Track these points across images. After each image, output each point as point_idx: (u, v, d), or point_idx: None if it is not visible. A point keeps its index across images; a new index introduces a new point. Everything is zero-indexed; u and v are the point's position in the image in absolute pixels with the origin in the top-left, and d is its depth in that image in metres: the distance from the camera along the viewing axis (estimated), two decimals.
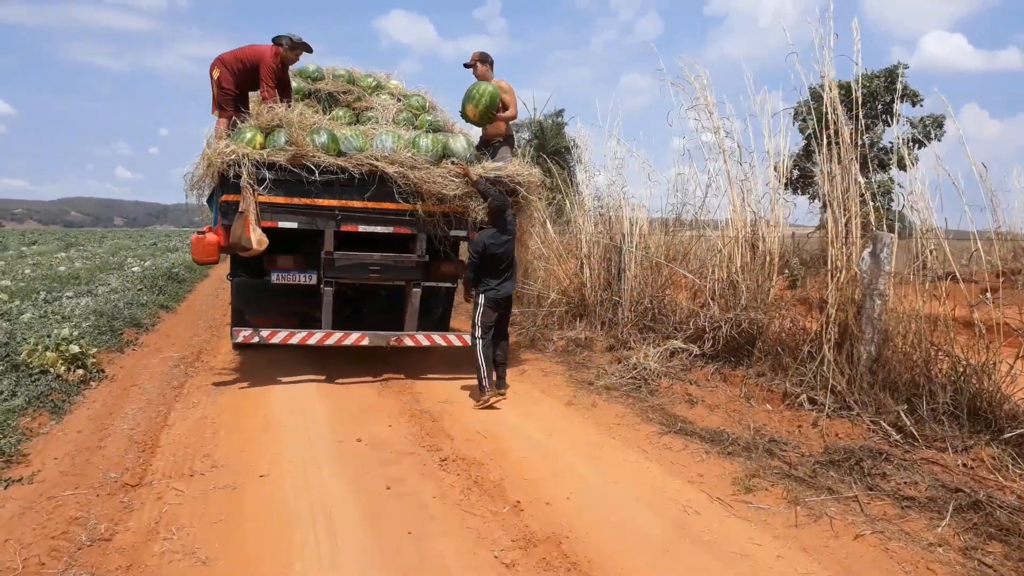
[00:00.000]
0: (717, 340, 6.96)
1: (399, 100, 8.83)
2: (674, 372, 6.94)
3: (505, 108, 7.87)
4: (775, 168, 7.15)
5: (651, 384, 6.78)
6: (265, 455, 5.01)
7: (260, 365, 8.03)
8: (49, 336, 7.40)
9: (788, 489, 4.41)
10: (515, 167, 7.53)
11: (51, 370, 6.55)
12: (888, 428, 5.03)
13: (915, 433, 4.89)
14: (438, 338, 7.49)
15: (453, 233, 7.23)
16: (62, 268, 18.23)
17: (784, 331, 6.62)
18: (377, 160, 6.84)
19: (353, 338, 7.15)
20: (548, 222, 10.53)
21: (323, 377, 7.42)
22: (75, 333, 7.80)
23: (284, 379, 7.31)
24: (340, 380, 7.33)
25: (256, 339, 7.00)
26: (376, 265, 7.18)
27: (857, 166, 6.16)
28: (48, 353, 6.71)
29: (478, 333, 6.66)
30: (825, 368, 5.76)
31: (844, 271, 5.93)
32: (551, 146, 27.18)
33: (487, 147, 8.10)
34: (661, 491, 4.50)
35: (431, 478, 4.64)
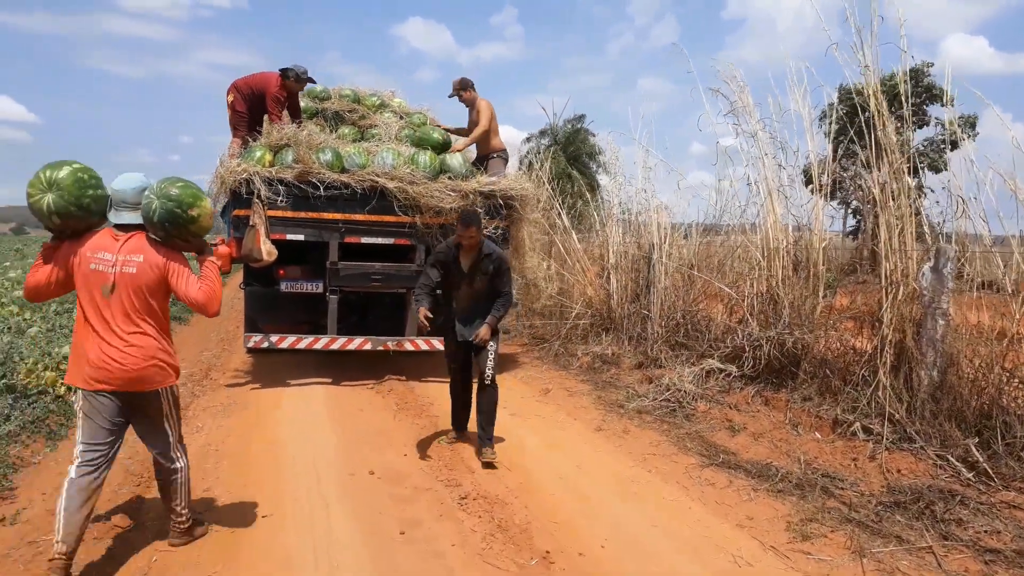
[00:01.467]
0: (757, 360, 6.47)
1: (402, 118, 9.12)
2: (711, 395, 6.45)
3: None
4: (814, 173, 6.67)
5: (687, 408, 6.30)
6: (269, 490, 4.58)
7: (269, 381, 7.73)
8: (49, 354, 7.05)
9: (851, 536, 3.93)
10: (508, 182, 7.94)
11: (51, 391, 6.18)
12: (957, 464, 4.54)
13: (989, 471, 4.39)
14: (437, 343, 7.57)
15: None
16: None
17: (832, 351, 6.13)
18: (378, 176, 7.34)
19: (356, 342, 7.64)
20: (572, 231, 10.09)
21: (333, 397, 7.04)
22: None
23: (294, 400, 6.97)
24: (354, 404, 6.93)
25: (266, 344, 7.47)
26: (378, 274, 7.60)
27: (906, 170, 5.69)
28: (47, 373, 6.36)
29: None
30: (880, 394, 5.27)
31: (901, 287, 5.42)
32: (571, 152, 26.78)
33: (481, 162, 8.53)
34: (707, 537, 4.01)
35: (450, 519, 4.19)
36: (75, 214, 3.45)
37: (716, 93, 7.30)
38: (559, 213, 10.37)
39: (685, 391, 6.48)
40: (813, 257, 6.43)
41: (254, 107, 8.03)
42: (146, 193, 3.52)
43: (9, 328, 9.08)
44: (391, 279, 7.67)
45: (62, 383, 6.30)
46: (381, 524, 4.11)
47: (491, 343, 5.36)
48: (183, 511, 3.76)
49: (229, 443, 5.54)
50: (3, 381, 6.16)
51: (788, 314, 6.40)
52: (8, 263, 25.81)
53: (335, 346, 7.61)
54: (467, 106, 8.62)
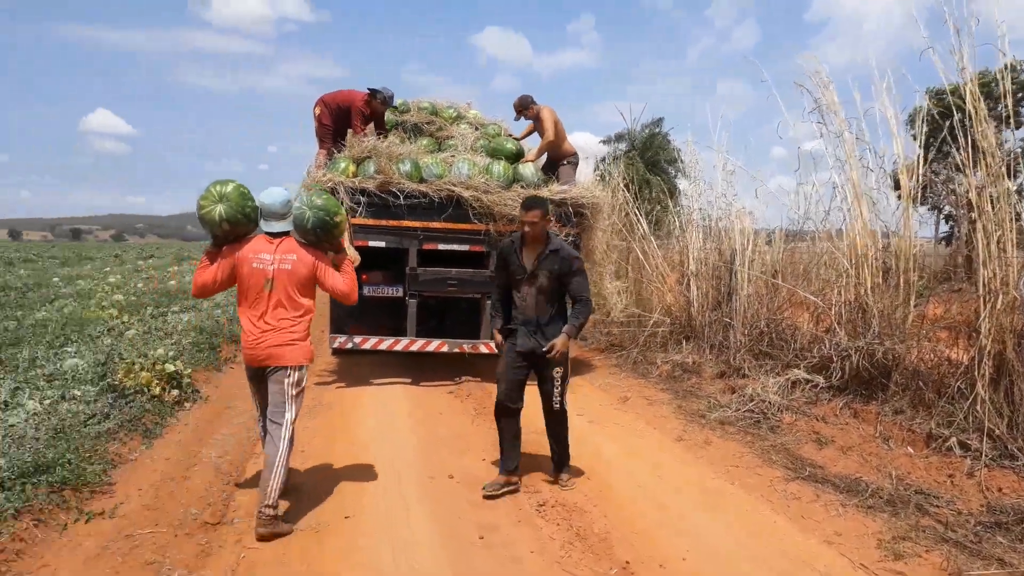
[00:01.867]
0: (845, 371, 6.24)
1: (477, 129, 9.43)
2: (797, 406, 6.26)
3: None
4: (902, 177, 6.42)
5: (771, 419, 6.13)
6: (352, 493, 4.68)
7: (352, 383, 7.95)
8: (146, 355, 7.35)
9: (947, 557, 3.75)
10: (579, 190, 8.15)
11: (147, 391, 6.43)
12: None
13: None
14: None
15: None
16: (172, 282, 18.72)
17: (925, 362, 5.88)
18: (454, 186, 7.64)
19: (434, 345, 7.99)
20: (651, 237, 9.97)
21: (413, 400, 7.13)
22: (172, 352, 7.74)
23: (376, 402, 7.10)
24: (433, 407, 7.01)
25: (350, 345, 7.92)
26: (454, 279, 7.93)
27: (1005, 172, 5.43)
28: (144, 373, 6.61)
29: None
30: (979, 408, 5.02)
31: (1000, 296, 5.17)
32: (650, 157, 26.50)
33: (553, 168, 8.73)
34: (793, 553, 3.90)
35: (528, 526, 4.19)
36: (240, 221, 4.22)
37: (800, 88, 7.09)
38: (637, 219, 10.27)
39: (769, 402, 6.31)
40: (903, 264, 6.19)
41: (339, 120, 8.46)
42: (297, 205, 4.30)
43: (110, 330, 9.52)
44: (466, 284, 7.97)
45: (157, 383, 6.57)
46: (460, 528, 4.13)
47: (559, 366, 4.75)
48: (272, 497, 4.00)
49: (314, 444, 5.67)
50: (104, 381, 6.45)
51: (878, 323, 6.17)
52: (108, 268, 27.06)
53: (414, 348, 7.94)
54: (533, 121, 8.82)
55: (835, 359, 6.34)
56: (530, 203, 4.73)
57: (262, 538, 3.91)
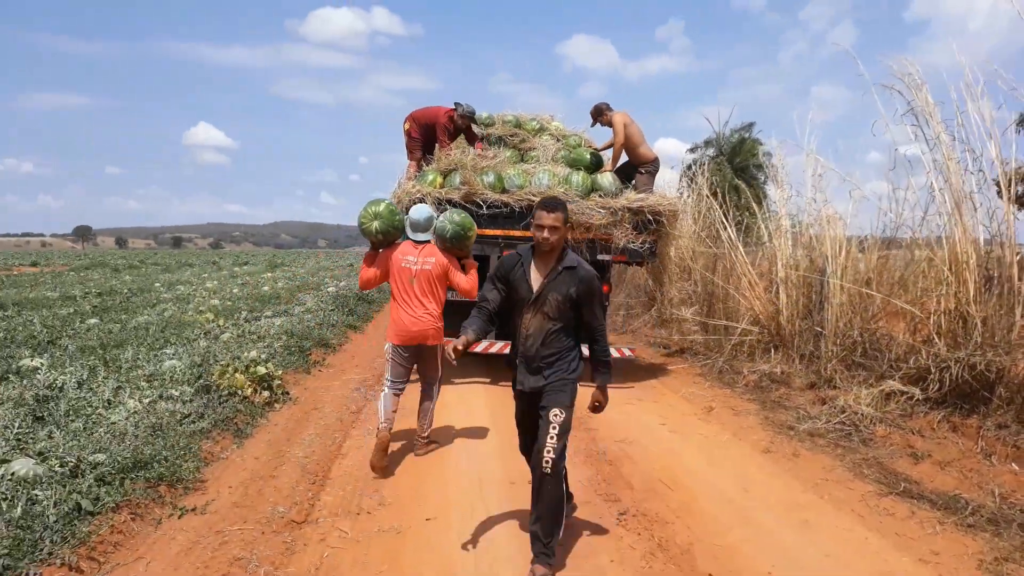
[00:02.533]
0: (944, 383, 5.95)
1: (558, 140, 9.71)
2: (891, 418, 6.01)
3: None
4: (1002, 182, 6.11)
5: (864, 432, 5.90)
6: (433, 494, 4.75)
7: None
8: (239, 358, 7.61)
9: None
10: (655, 198, 8.33)
11: (239, 392, 6.65)
12: None
13: None
14: (585, 350, 7.64)
15: (599, 257, 8.23)
16: (266, 288, 19.35)
17: None
18: (534, 196, 7.93)
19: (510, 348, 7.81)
20: (739, 244, 9.74)
21: (495, 405, 7.15)
22: (263, 355, 8.00)
23: (459, 407, 7.17)
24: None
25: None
26: None
27: None
28: (237, 375, 6.84)
29: None
30: None
31: None
32: (739, 163, 25.98)
33: (631, 174, 8.87)
34: (886, 572, 3.74)
35: (608, 535, 4.14)
36: (391, 232, 5.58)
37: (891, 90, 6.84)
38: (724, 226, 10.06)
39: (862, 414, 6.08)
40: (1007, 272, 5.88)
41: (426, 135, 8.96)
42: (440, 220, 5.57)
43: (206, 333, 9.89)
44: None
45: (249, 385, 6.79)
46: None
47: (557, 410, 3.71)
48: (427, 430, 5.77)
49: (396, 447, 5.75)
50: (199, 382, 6.71)
51: (980, 334, 5.87)
52: (206, 274, 28.18)
53: (493, 349, 8.27)
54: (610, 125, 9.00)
55: (933, 370, 6.05)
56: (551, 204, 3.76)
57: (421, 455, 5.65)
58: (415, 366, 5.67)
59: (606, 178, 8.54)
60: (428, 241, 5.54)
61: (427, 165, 8.66)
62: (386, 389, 5.51)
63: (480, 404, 7.18)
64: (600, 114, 9.02)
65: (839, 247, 7.77)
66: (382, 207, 5.52)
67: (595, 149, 9.27)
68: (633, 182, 8.75)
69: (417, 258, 5.46)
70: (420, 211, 5.60)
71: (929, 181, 6.71)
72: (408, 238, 5.58)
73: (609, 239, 8.17)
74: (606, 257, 8.31)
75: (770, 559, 3.84)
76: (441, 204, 7.79)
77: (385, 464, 5.20)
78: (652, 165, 8.89)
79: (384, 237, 5.54)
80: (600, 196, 8.26)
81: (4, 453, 4.43)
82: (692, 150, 27.62)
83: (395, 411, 5.45)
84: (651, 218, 8.17)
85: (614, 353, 8.25)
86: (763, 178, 25.08)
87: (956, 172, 6.44)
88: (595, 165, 8.89)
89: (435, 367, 5.73)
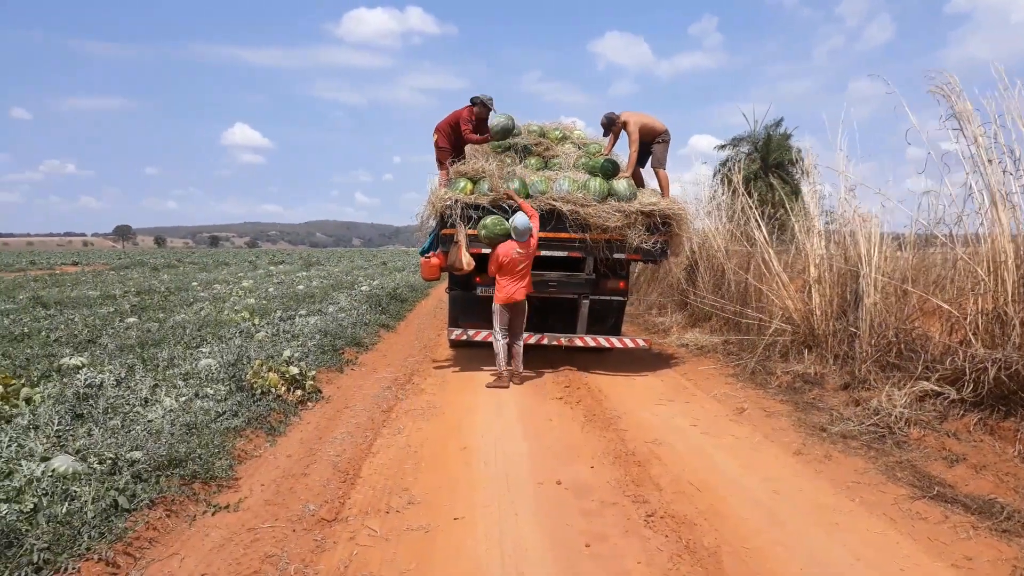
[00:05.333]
0: (980, 384, 5.83)
1: (580, 148, 10.54)
2: (926, 420, 5.91)
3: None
4: None
5: (898, 434, 5.82)
6: (462, 494, 4.77)
7: (464, 386, 8.22)
8: (273, 357, 7.71)
9: None
10: (666, 202, 9.06)
11: (272, 390, 6.75)
12: None
13: None
14: (603, 340, 9.16)
15: (615, 256, 8.94)
16: (300, 287, 19.58)
17: None
18: (555, 200, 8.77)
19: (536, 338, 9.04)
20: (771, 243, 9.65)
21: (523, 407, 7.19)
22: (296, 354, 8.11)
23: (487, 407, 7.23)
24: (543, 414, 7.06)
25: (465, 337, 9.11)
26: (554, 281, 9.18)
27: None
28: (270, 374, 6.94)
29: None
30: None
31: None
32: (772, 159, 25.71)
33: (647, 150, 9.65)
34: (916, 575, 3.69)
35: (636, 536, 4.13)
36: (499, 237, 8.40)
37: (935, 94, 6.74)
38: (757, 224, 9.97)
39: (896, 415, 6.00)
40: None
41: (454, 139, 9.58)
42: (529, 226, 8.21)
43: (241, 332, 10.03)
44: (565, 286, 9.21)
45: (282, 383, 6.89)
46: (567, 535, 4.13)
47: None
48: (520, 367, 8.52)
49: (427, 447, 5.81)
50: (233, 381, 6.81)
51: (1019, 335, 5.76)
52: (242, 273, 28.55)
53: (525, 341, 8.78)
54: (619, 133, 9.68)
55: (969, 372, 5.95)
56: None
57: (518, 384, 8.33)
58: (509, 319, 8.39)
59: (621, 184, 9.06)
60: (527, 240, 8.21)
61: (454, 171, 9.27)
62: (499, 337, 8.37)
63: (510, 409, 7.19)
64: (612, 124, 9.55)
65: (873, 245, 7.65)
66: (490, 220, 8.49)
67: (605, 155, 9.72)
68: (652, 156, 9.64)
69: (523, 251, 8.18)
70: (521, 221, 8.15)
71: (968, 181, 6.60)
72: (514, 239, 8.21)
73: (624, 239, 8.79)
74: (621, 256, 8.95)
75: (799, 562, 3.82)
76: (471, 209, 8.67)
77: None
78: (665, 135, 9.57)
79: (490, 242, 8.44)
80: (616, 200, 8.86)
81: (45, 450, 4.55)
82: (722, 147, 27.40)
83: (508, 354, 8.40)
84: (661, 220, 8.86)
85: (628, 343, 9.23)
86: (798, 174, 24.83)
87: (995, 172, 6.32)
88: (612, 171, 9.34)
89: (523, 320, 8.51)
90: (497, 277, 8.27)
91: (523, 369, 8.55)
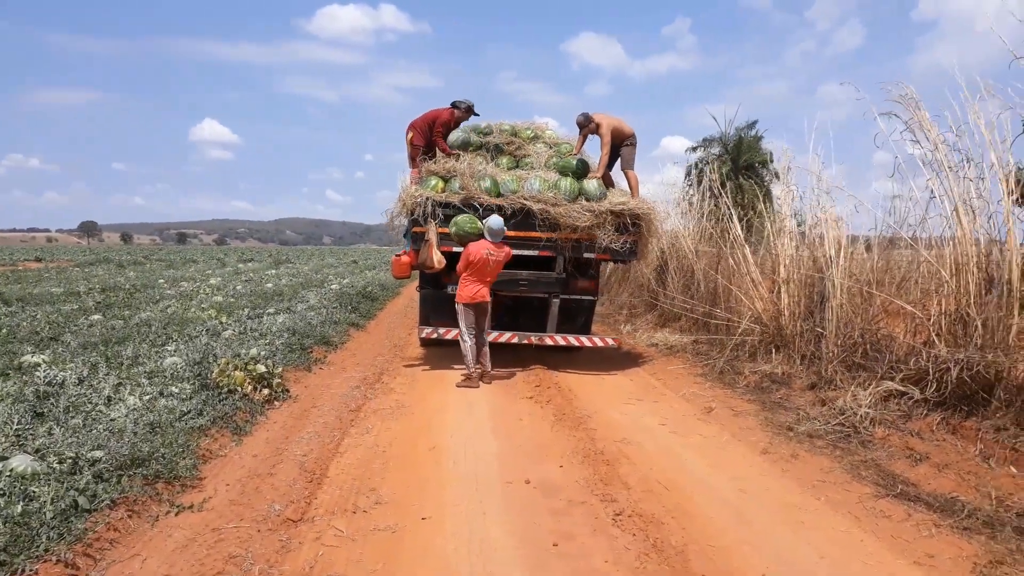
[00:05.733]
0: (943, 384, 5.92)
1: (551, 147, 10.47)
2: (890, 420, 5.99)
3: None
4: (1002, 185, 6.09)
5: (863, 433, 5.89)
6: (430, 493, 4.74)
7: (434, 385, 8.18)
8: (239, 355, 7.62)
9: None
10: (636, 202, 9.14)
11: (239, 389, 6.66)
12: None
13: None
14: (573, 339, 9.22)
15: (585, 255, 9.06)
16: (269, 285, 19.40)
17: None
18: (526, 200, 8.82)
19: (506, 336, 9.11)
20: (744, 244, 9.74)
21: (494, 406, 7.18)
22: (263, 352, 8.03)
23: (457, 406, 7.21)
24: (513, 414, 7.05)
25: (435, 335, 8.99)
26: (524, 280, 9.23)
27: None
28: (236, 372, 6.86)
29: None
30: None
31: None
32: (743, 161, 25.94)
33: (616, 153, 9.70)
34: (879, 573, 3.73)
35: (603, 535, 4.13)
36: (470, 235, 8.49)
37: (890, 116, 6.90)
38: (732, 223, 10.06)
39: (861, 415, 6.07)
40: (1008, 274, 5.87)
41: (428, 140, 9.64)
42: (503, 227, 8.36)
43: (208, 330, 9.91)
44: (535, 284, 9.26)
45: (249, 382, 6.81)
46: (536, 534, 4.12)
47: None
48: (488, 364, 8.49)
49: (395, 446, 5.77)
50: (199, 379, 6.72)
51: (980, 336, 5.86)
52: (210, 271, 28.23)
53: (489, 339, 8.78)
54: (592, 134, 9.74)
55: (932, 372, 6.04)
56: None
57: (487, 382, 8.36)
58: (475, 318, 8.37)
59: (591, 184, 9.14)
60: (501, 241, 8.31)
61: (427, 165, 9.36)
62: (465, 338, 8.34)
63: (480, 408, 7.18)
64: (588, 122, 9.58)
65: (840, 247, 7.74)
66: (461, 218, 8.61)
67: (573, 154, 9.81)
68: (620, 158, 9.70)
69: (492, 252, 8.21)
70: (495, 222, 8.28)
71: (928, 185, 6.71)
72: (487, 239, 8.26)
73: (593, 239, 8.86)
74: (591, 255, 9.05)
75: (764, 560, 3.84)
76: (442, 207, 8.72)
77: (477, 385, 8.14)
78: (632, 138, 9.65)
79: (461, 240, 8.50)
80: (586, 200, 8.95)
81: (3, 449, 4.46)
82: (693, 149, 27.60)
83: (475, 354, 8.36)
84: (631, 220, 8.93)
85: (598, 342, 9.31)
86: (768, 176, 25.05)
87: (955, 178, 6.44)
88: (583, 172, 9.42)
89: (487, 318, 8.53)
90: (463, 275, 8.26)
91: (492, 368, 8.51)
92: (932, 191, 6.68)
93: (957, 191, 6.41)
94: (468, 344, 8.31)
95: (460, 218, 8.50)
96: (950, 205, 6.46)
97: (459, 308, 8.31)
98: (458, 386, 8.07)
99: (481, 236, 8.35)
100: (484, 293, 8.29)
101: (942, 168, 6.48)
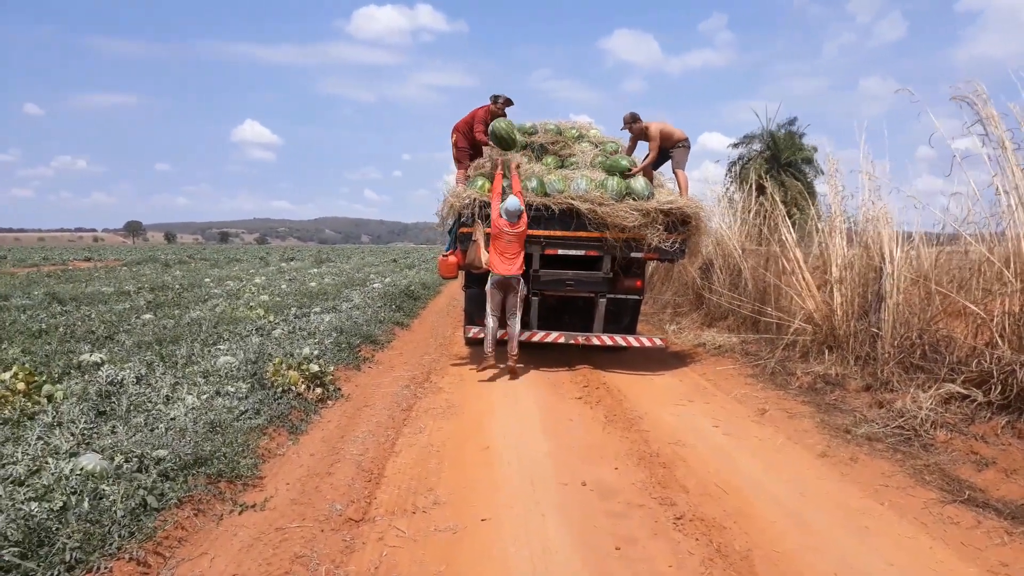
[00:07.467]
0: (1008, 387, 5.77)
1: (596, 146, 10.49)
2: (952, 423, 5.84)
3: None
4: None
5: (924, 437, 5.76)
6: (486, 495, 4.74)
7: (482, 384, 8.24)
8: (292, 355, 7.69)
9: None
10: (684, 200, 8.99)
11: (292, 388, 6.73)
12: None
13: None
14: (620, 339, 9.17)
15: (633, 255, 8.95)
16: (313, 284, 19.58)
17: None
18: (573, 199, 8.78)
19: (553, 336, 9.15)
20: (793, 242, 9.58)
21: (544, 406, 7.16)
22: (315, 352, 8.09)
23: (506, 406, 7.20)
24: (563, 414, 7.02)
25: (481, 335, 8.96)
26: (571, 280, 9.19)
27: None
28: (290, 372, 6.92)
29: None
30: None
31: None
32: (784, 158, 25.55)
33: (666, 156, 9.68)
34: None
35: (665, 539, 4.09)
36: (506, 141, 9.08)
37: (960, 104, 6.72)
38: (782, 222, 9.90)
39: (921, 418, 5.94)
40: None
41: (472, 139, 9.71)
42: (519, 208, 8.37)
43: (257, 329, 10.02)
44: (582, 284, 9.20)
45: (302, 381, 6.87)
46: (596, 538, 4.09)
47: None
48: (515, 350, 8.59)
49: (448, 446, 5.79)
50: (253, 378, 6.80)
51: None
52: (253, 270, 28.59)
53: (536, 338, 9.08)
54: (638, 136, 9.71)
55: (996, 374, 5.89)
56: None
57: (514, 373, 8.56)
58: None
59: (639, 182, 9.05)
60: (518, 220, 8.34)
61: (474, 165, 9.56)
62: (489, 320, 8.59)
63: (529, 407, 7.17)
64: (634, 121, 9.54)
65: (897, 244, 7.56)
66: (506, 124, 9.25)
67: (630, 169, 9.51)
68: (671, 159, 9.63)
69: (514, 230, 8.31)
70: (514, 203, 8.32)
71: (993, 181, 6.53)
72: (505, 219, 8.31)
73: (642, 238, 8.76)
74: (639, 255, 8.96)
75: (831, 567, 3.77)
76: (487, 208, 8.74)
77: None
78: (685, 142, 9.58)
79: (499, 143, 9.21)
80: (634, 199, 8.87)
81: (71, 448, 4.54)
82: (735, 145, 27.24)
83: (496, 339, 8.63)
84: (681, 218, 8.82)
85: (645, 342, 9.21)
86: (812, 174, 24.66)
87: (1019, 174, 6.27)
88: (629, 171, 9.32)
89: (517, 301, 8.50)
90: (490, 251, 8.47)
91: (539, 368, 8.56)
92: (997, 187, 6.49)
93: (1021, 187, 6.23)
94: (490, 327, 8.55)
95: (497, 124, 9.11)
96: (1014, 200, 6.27)
97: (488, 288, 8.54)
98: (479, 369, 8.80)
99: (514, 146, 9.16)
100: (507, 268, 8.34)
101: (1008, 164, 6.30)
